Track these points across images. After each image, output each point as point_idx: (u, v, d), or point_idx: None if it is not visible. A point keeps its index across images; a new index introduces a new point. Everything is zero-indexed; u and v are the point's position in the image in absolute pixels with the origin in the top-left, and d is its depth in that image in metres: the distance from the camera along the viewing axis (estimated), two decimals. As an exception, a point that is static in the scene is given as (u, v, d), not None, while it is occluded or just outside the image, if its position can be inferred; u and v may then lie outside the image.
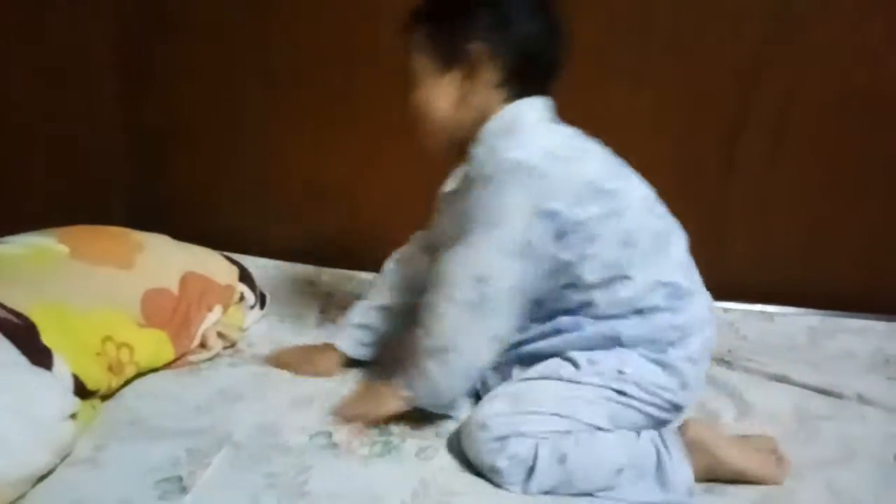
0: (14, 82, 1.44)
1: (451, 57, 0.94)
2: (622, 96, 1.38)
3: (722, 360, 1.19)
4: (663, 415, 0.94)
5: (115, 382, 1.02)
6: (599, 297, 0.93)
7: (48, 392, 0.86)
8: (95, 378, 0.98)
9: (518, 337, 0.97)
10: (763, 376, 1.15)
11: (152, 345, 1.09)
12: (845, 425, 1.04)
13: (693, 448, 0.89)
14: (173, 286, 1.17)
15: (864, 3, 1.28)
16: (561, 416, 0.90)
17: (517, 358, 0.99)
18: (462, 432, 0.93)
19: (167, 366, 1.11)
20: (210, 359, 1.15)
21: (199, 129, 1.57)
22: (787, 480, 0.91)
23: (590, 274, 0.92)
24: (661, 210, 0.99)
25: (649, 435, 0.91)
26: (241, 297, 1.27)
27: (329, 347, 1.13)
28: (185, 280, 1.19)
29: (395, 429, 0.98)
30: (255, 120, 1.54)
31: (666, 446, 0.89)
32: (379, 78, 1.46)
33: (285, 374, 1.11)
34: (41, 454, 0.82)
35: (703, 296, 0.99)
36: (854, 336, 1.30)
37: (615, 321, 0.93)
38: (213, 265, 1.27)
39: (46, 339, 0.92)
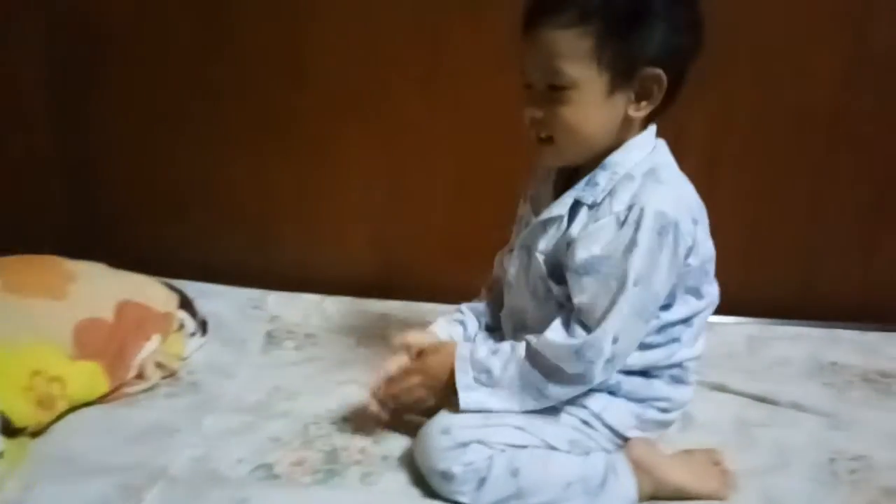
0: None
1: (623, 78, 0.84)
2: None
3: (664, 372, 1.21)
4: (616, 448, 0.95)
5: (45, 418, 0.99)
6: (634, 358, 0.93)
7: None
8: (23, 414, 0.95)
9: None
10: (704, 386, 1.17)
11: (85, 377, 1.06)
12: (781, 432, 1.06)
13: (636, 468, 0.91)
14: (108, 315, 1.14)
15: (790, 21, 1.33)
16: (524, 430, 0.91)
17: None
18: (419, 437, 0.93)
19: (102, 398, 1.08)
20: (148, 390, 1.12)
21: (136, 152, 1.54)
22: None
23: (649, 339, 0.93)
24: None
25: (600, 454, 0.92)
26: (182, 325, 1.24)
27: None
28: (121, 309, 1.16)
29: (342, 454, 0.97)
30: (196, 141, 1.52)
31: (614, 466, 0.90)
32: (323, 98, 1.46)
33: (224, 401, 1.08)
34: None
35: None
36: (790, 343, 1.33)
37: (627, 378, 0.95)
38: (151, 292, 1.24)
39: (-32, 376, 0.89)
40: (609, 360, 0.88)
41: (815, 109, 1.37)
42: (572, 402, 0.93)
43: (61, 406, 1.01)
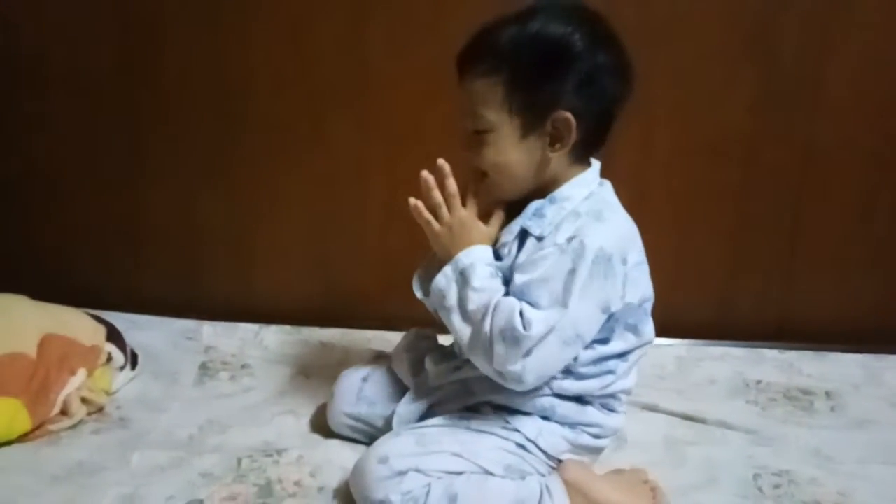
0: None
1: (534, 123, 0.90)
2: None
3: (598, 394, 1.24)
4: (549, 471, 0.97)
5: (-39, 460, 0.94)
6: (568, 384, 0.96)
7: None
8: (-62, 457, 0.90)
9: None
10: (635, 406, 1.20)
11: (5, 415, 1.02)
12: (709, 449, 1.09)
13: (570, 490, 0.92)
14: (30, 350, 1.10)
15: (702, 48, 1.40)
16: (460, 457, 0.91)
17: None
18: (355, 468, 0.92)
19: (24, 437, 1.04)
20: (73, 426, 1.08)
21: (58, 181, 1.50)
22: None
23: (585, 369, 0.95)
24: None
25: (536, 478, 0.93)
26: (110, 358, 1.20)
27: None
28: (44, 343, 1.12)
29: (276, 487, 0.95)
30: (120, 170, 1.49)
31: (549, 488, 0.91)
32: (254, 126, 1.45)
33: (154, 437, 1.05)
34: None
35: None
36: (716, 363, 1.38)
37: (557, 404, 0.96)
38: (77, 325, 1.20)
39: None
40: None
41: (729, 136, 1.44)
42: (507, 427, 0.95)
43: (-22, 447, 0.97)
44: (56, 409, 1.08)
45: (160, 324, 1.43)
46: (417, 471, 0.89)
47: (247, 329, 1.44)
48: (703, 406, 1.20)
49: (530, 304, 0.88)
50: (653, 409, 1.20)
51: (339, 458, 1.03)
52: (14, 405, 1.03)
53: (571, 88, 0.88)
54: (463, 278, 0.91)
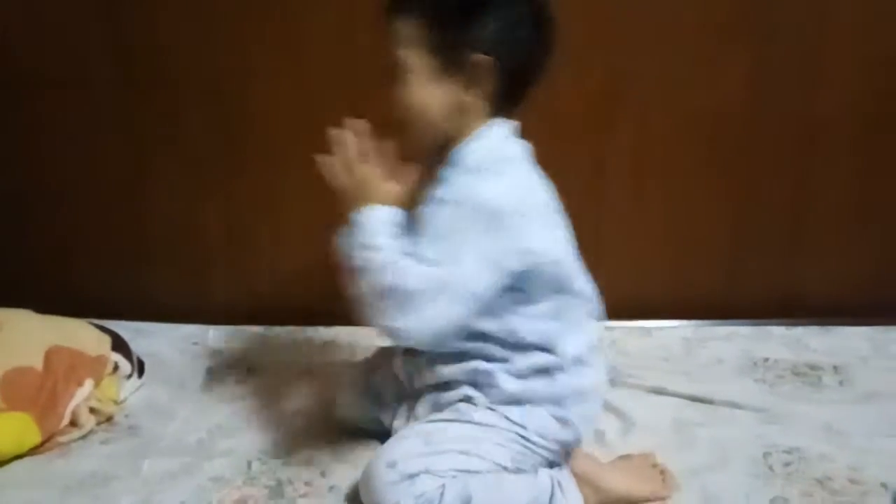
0: None
1: (451, 64, 0.90)
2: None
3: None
4: (556, 458, 0.97)
5: (-27, 476, 0.95)
6: (520, 360, 0.95)
7: None
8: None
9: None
10: (642, 390, 1.20)
11: (15, 429, 1.02)
12: (718, 430, 1.09)
13: (580, 482, 0.92)
14: (37, 363, 1.10)
15: (698, 35, 1.39)
16: (469, 454, 0.91)
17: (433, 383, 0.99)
18: (365, 473, 0.92)
19: (35, 450, 1.04)
20: (83, 437, 1.08)
21: (60, 191, 1.49)
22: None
23: (524, 336, 0.95)
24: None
25: (546, 472, 0.93)
26: (116, 367, 1.20)
27: None
28: (51, 355, 1.12)
29: (287, 488, 0.96)
30: (121, 178, 1.48)
31: (560, 483, 0.91)
32: (253, 134, 1.45)
33: (163, 444, 1.06)
34: None
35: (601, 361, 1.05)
36: (722, 342, 1.37)
37: (527, 381, 0.96)
38: (83, 336, 1.20)
39: None
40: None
41: (727, 111, 1.43)
42: (500, 418, 0.94)
43: (-10, 461, 0.97)
44: (65, 421, 1.08)
45: (165, 330, 1.43)
46: (428, 472, 0.88)
47: (252, 332, 1.44)
48: (711, 386, 1.20)
49: (421, 261, 0.86)
50: (660, 391, 1.20)
51: (350, 456, 1.03)
52: (23, 419, 1.03)
53: (491, 34, 0.89)
54: (355, 236, 0.89)
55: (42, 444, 1.05)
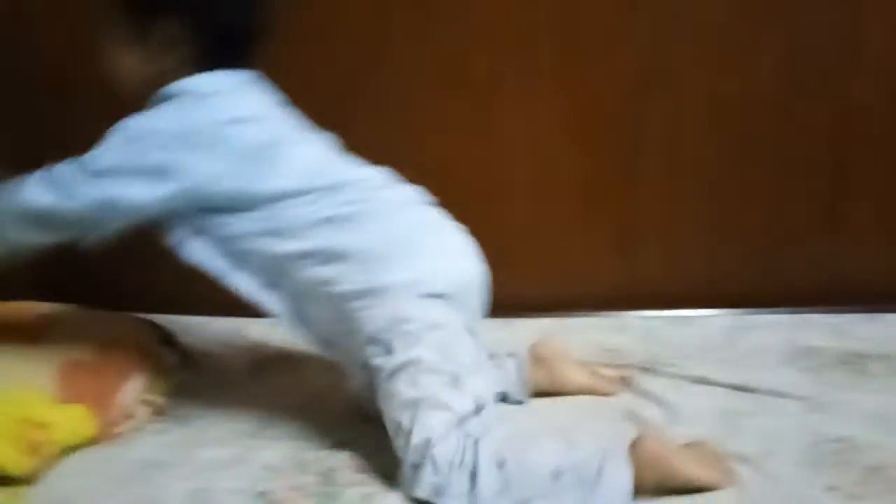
0: None
1: (144, 31, 0.95)
2: (520, 120, 1.44)
3: (646, 369, 1.24)
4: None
5: (37, 465, 0.97)
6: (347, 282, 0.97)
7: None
8: (16, 463, 0.94)
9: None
10: (685, 380, 1.20)
11: (73, 421, 1.05)
12: (765, 419, 1.08)
13: (647, 462, 0.90)
14: (91, 357, 1.13)
15: (731, 21, 1.38)
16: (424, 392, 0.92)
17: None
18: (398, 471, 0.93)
19: (91, 440, 1.07)
20: (136, 428, 1.11)
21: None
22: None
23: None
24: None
25: (595, 442, 0.92)
26: (165, 360, 1.23)
27: None
28: (103, 349, 1.15)
29: (338, 475, 0.97)
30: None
31: (611, 456, 0.90)
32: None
33: (214, 433, 1.08)
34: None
35: None
36: (764, 331, 1.37)
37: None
38: (133, 330, 1.23)
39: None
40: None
41: (759, 98, 1.42)
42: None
43: (50, 451, 1.00)
44: (119, 413, 1.11)
45: (210, 324, 1.46)
46: (434, 435, 0.89)
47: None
48: (755, 375, 1.19)
49: None
50: (702, 381, 1.19)
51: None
52: (80, 411, 1.06)
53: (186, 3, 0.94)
54: None
55: (98, 434, 1.08)
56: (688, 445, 0.98)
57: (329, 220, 0.97)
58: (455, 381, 0.94)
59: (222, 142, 0.95)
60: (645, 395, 1.16)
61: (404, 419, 0.92)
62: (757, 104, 1.42)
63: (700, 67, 1.40)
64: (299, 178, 0.97)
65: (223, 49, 0.97)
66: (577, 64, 1.40)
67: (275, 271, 0.99)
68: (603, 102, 1.43)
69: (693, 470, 0.92)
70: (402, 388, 0.93)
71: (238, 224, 0.97)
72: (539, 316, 1.45)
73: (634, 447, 0.92)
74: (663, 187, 1.47)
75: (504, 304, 1.47)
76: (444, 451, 0.88)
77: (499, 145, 1.46)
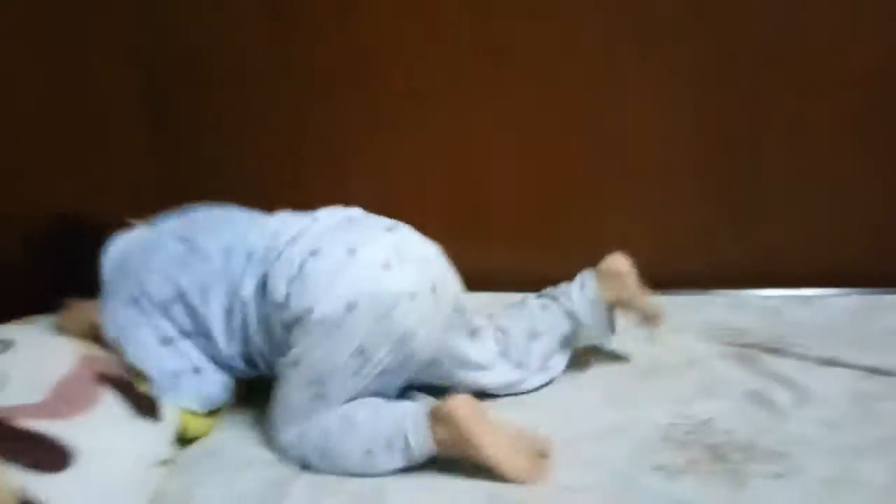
0: (46, 127, 1.46)
1: None
2: (637, 98, 1.42)
3: (771, 349, 1.21)
4: None
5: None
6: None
7: (145, 440, 0.89)
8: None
9: None
10: (813, 361, 1.17)
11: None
12: (900, 403, 1.04)
13: (445, 420, 0.92)
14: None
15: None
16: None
17: None
18: None
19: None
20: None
21: (225, 164, 1.59)
22: (850, 460, 0.92)
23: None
24: None
25: (404, 407, 0.98)
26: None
27: None
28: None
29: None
30: (280, 155, 1.57)
31: (415, 420, 0.94)
32: (402, 135, 1.50)
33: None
34: (133, 498, 0.86)
35: None
36: (893, 312, 1.30)
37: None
38: None
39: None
40: None
41: (890, 70, 1.33)
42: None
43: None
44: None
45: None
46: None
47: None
48: (889, 358, 1.15)
49: None
50: (832, 362, 1.16)
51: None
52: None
53: None
54: None
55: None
56: (518, 433, 0.96)
57: None
58: None
59: None
60: (771, 375, 1.14)
61: None
62: (888, 77, 1.34)
63: (828, 36, 1.33)
64: None
65: None
66: (700, 31, 1.36)
67: None
68: (725, 75, 1.38)
69: (490, 450, 0.91)
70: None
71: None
72: (652, 293, 1.43)
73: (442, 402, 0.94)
74: (787, 162, 1.42)
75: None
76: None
77: (615, 120, 1.44)
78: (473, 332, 1.13)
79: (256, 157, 1.58)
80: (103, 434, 0.86)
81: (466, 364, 1.10)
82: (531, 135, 1.48)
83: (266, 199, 1.57)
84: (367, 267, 0.98)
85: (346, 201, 1.51)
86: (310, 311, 0.95)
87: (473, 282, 1.50)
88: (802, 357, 1.18)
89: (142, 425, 0.90)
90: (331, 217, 1.10)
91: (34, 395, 0.87)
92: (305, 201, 1.54)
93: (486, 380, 1.12)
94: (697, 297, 1.43)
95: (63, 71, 1.41)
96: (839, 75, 1.35)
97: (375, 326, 0.95)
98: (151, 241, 1.10)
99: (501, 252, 1.55)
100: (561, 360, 1.18)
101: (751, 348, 1.21)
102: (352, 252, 0.99)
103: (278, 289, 0.98)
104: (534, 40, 1.42)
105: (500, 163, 1.51)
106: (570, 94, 1.44)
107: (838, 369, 1.14)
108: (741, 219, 1.46)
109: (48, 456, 0.79)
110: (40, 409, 0.84)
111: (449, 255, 1.52)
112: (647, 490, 0.91)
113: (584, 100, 1.44)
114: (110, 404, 0.90)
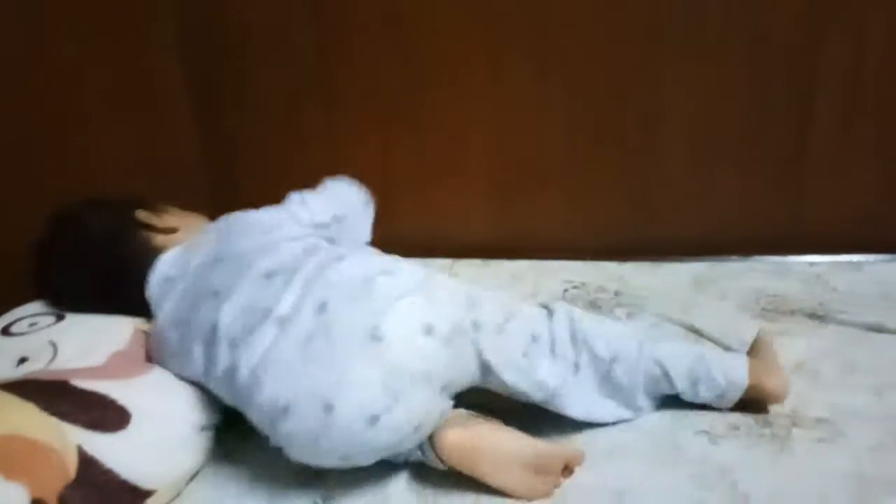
0: (89, 104, 1.49)
1: None
2: (683, 63, 1.39)
3: (814, 315, 1.19)
4: None
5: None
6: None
7: (195, 404, 0.92)
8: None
9: None
10: (859, 327, 1.14)
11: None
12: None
13: (444, 460, 0.86)
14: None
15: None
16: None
17: None
18: None
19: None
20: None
21: (268, 141, 1.61)
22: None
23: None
24: None
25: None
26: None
27: None
28: None
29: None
30: (319, 133, 1.57)
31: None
32: (443, 95, 1.49)
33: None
34: (196, 455, 0.90)
35: None
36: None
37: None
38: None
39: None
40: None
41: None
42: None
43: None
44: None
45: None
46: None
47: (442, 264, 1.50)
48: (941, 325, 1.12)
49: None
50: (879, 329, 1.14)
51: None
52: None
53: None
54: None
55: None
56: (532, 451, 0.87)
57: None
58: None
59: None
60: (813, 343, 1.11)
61: None
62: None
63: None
64: None
65: None
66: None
67: None
68: (774, 34, 1.34)
69: (499, 481, 0.85)
70: None
71: None
72: (692, 260, 1.42)
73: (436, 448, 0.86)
74: (837, 125, 1.37)
75: (654, 247, 1.47)
76: None
77: (661, 81, 1.41)
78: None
79: (298, 132, 1.59)
80: (157, 396, 0.89)
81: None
82: (577, 93, 1.45)
83: (308, 174, 1.61)
84: (349, 423, 0.81)
85: (389, 168, 1.54)
86: None
87: (518, 246, 1.52)
88: (847, 323, 1.15)
89: (191, 390, 0.93)
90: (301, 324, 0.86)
91: (90, 361, 0.91)
92: (346, 173, 1.58)
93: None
94: (741, 263, 1.40)
95: (108, 52, 1.44)
96: (892, 35, 1.30)
97: None
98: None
99: (548, 211, 1.54)
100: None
101: (793, 314, 1.19)
102: (328, 409, 0.81)
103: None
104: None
105: (545, 119, 1.49)
106: (615, 55, 1.41)
107: (885, 336, 1.12)
108: (787, 184, 1.43)
109: (107, 416, 0.82)
110: (97, 372, 0.88)
111: (493, 215, 1.54)
112: (689, 453, 0.91)
113: (629, 61, 1.41)
114: (162, 371, 0.94)
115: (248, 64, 1.55)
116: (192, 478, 0.91)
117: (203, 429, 0.92)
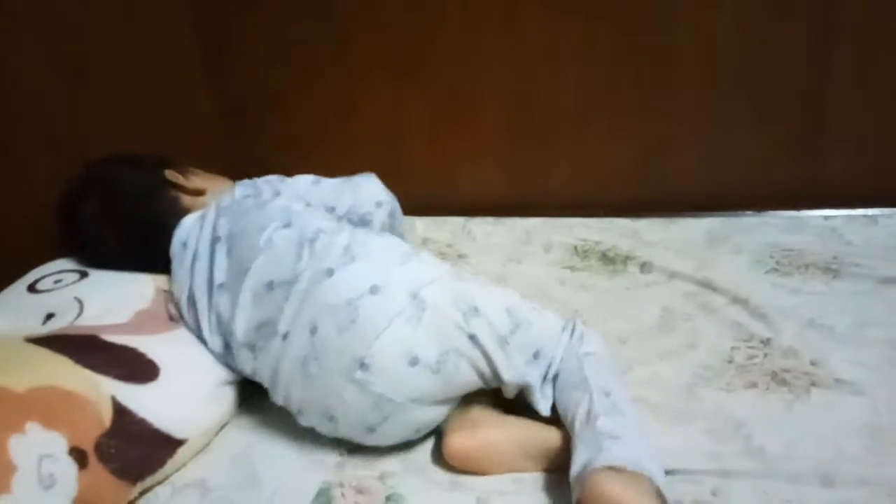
0: (102, 60, 1.48)
1: None
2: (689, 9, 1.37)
3: (828, 269, 1.19)
4: None
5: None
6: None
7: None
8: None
9: None
10: (872, 280, 1.15)
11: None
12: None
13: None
14: None
15: None
16: None
17: None
18: None
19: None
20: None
21: (280, 94, 1.60)
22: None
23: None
24: None
25: None
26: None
27: None
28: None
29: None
30: (332, 88, 1.57)
31: None
32: (449, 41, 1.48)
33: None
34: (224, 406, 0.93)
35: None
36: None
37: None
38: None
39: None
40: None
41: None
42: None
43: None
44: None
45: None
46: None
47: (455, 222, 1.50)
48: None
49: None
50: (893, 281, 1.14)
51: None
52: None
53: None
54: None
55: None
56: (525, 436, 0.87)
57: None
58: None
59: None
60: (826, 297, 1.12)
61: None
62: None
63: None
64: None
65: None
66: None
67: None
68: (788, 13, 1.32)
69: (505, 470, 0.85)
70: None
71: None
72: (707, 215, 1.42)
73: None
74: (855, 79, 1.36)
75: (668, 203, 1.47)
76: None
77: (673, 33, 1.39)
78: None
79: (310, 86, 1.58)
80: (183, 350, 0.92)
81: None
82: (592, 39, 1.44)
83: (323, 126, 1.60)
84: (351, 431, 0.89)
85: (401, 119, 1.53)
86: None
87: (531, 203, 1.51)
88: (860, 276, 1.16)
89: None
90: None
91: (115, 318, 0.92)
92: (359, 127, 1.58)
93: None
94: (755, 218, 1.40)
95: (120, 6, 1.42)
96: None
97: None
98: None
99: (561, 167, 1.53)
100: None
101: (807, 268, 1.20)
102: (332, 419, 0.88)
103: None
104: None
105: (558, 74, 1.47)
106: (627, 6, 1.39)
107: (904, 290, 1.12)
108: (802, 138, 1.42)
109: (138, 368, 0.84)
110: (124, 328, 0.90)
111: (506, 171, 1.54)
112: (705, 404, 0.93)
113: (641, 13, 1.39)
114: (184, 330, 0.96)
115: (260, 18, 1.54)
116: (222, 428, 0.94)
117: (228, 383, 0.94)
